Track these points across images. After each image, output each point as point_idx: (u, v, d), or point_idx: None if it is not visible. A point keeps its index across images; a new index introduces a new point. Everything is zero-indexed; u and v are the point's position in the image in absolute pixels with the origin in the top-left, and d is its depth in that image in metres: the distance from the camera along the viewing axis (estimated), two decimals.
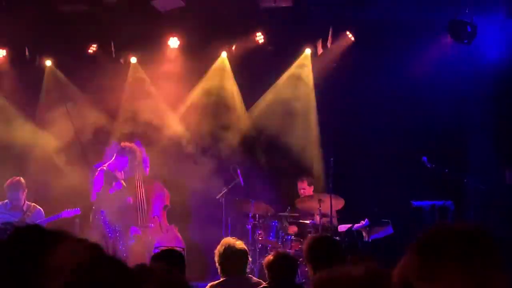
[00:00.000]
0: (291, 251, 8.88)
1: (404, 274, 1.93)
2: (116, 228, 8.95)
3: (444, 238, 1.92)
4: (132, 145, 9.48)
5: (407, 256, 1.95)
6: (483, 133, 10.24)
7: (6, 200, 8.89)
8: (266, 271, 5.38)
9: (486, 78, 9.96)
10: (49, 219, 8.84)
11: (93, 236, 8.69)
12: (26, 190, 8.94)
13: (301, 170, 10.72)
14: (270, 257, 5.44)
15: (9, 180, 8.92)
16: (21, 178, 9.03)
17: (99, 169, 9.26)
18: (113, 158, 9.39)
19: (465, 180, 9.43)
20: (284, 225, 9.66)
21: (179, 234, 9.63)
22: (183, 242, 9.49)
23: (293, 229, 9.75)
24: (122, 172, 9.45)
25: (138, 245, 9.13)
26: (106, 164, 9.32)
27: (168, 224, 9.64)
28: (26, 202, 8.96)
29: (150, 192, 9.54)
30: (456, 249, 1.88)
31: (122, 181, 9.23)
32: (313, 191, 10.09)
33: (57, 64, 11.14)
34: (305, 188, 10.08)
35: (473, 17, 9.46)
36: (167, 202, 9.70)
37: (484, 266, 1.86)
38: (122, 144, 9.49)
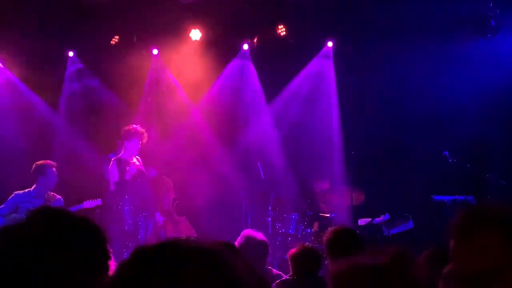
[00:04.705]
0: (311, 245, 8.85)
1: (487, 262, 1.89)
2: (138, 218, 8.97)
3: None
4: (137, 126, 9.32)
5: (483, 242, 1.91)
6: (505, 127, 10.15)
7: (28, 189, 8.82)
8: (290, 264, 5.39)
9: (509, 73, 9.87)
10: (70, 209, 8.76)
11: (113, 227, 8.72)
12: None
13: (321, 164, 10.71)
14: (294, 249, 5.45)
15: (40, 162, 8.78)
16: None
17: (112, 159, 9.20)
18: (123, 146, 9.21)
19: (487, 175, 9.35)
20: (304, 218, 9.63)
21: (190, 225, 9.74)
22: (195, 232, 9.58)
23: (316, 225, 9.71)
24: (138, 160, 9.26)
25: (152, 237, 9.17)
26: (120, 155, 9.21)
27: (178, 216, 9.74)
28: (47, 191, 8.92)
29: (160, 187, 9.60)
30: None
31: (137, 165, 9.06)
32: (334, 185, 10.08)
33: (79, 55, 11.19)
34: (320, 186, 10.07)
35: (497, 11, 9.37)
36: (175, 195, 9.81)
37: None
38: (127, 127, 9.22)
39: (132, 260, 1.48)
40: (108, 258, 1.77)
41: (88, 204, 8.97)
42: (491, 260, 1.88)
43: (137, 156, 9.11)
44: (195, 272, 1.41)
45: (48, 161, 8.83)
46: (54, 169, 8.71)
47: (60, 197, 8.95)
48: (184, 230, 9.47)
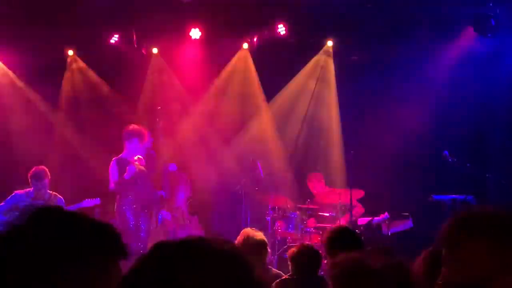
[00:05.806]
0: (310, 244, 8.85)
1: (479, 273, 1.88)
2: (139, 217, 8.91)
3: None
4: (138, 126, 9.21)
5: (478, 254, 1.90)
6: (505, 127, 10.15)
7: (28, 189, 8.87)
8: (289, 263, 5.38)
9: (509, 72, 9.87)
10: (70, 208, 8.75)
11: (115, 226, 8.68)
12: (49, 178, 8.93)
13: (321, 164, 10.72)
14: (294, 249, 5.45)
15: (33, 169, 8.89)
16: (44, 166, 9.03)
17: (112, 159, 9.11)
18: (125, 146, 9.15)
19: (487, 175, 9.35)
20: (303, 217, 9.63)
21: (199, 225, 9.67)
22: (203, 232, 9.53)
23: (312, 221, 9.73)
24: (140, 160, 9.10)
25: (160, 233, 9.12)
26: (120, 155, 9.11)
27: (190, 215, 9.67)
28: (48, 191, 8.96)
29: (175, 182, 9.49)
30: None
31: (137, 165, 8.93)
32: (333, 184, 10.07)
33: (79, 53, 11.17)
34: (315, 186, 10.05)
35: (497, 11, 9.37)
36: (190, 194, 9.71)
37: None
38: (127, 128, 9.05)
39: (154, 255, 1.48)
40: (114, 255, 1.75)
41: (87, 203, 8.98)
42: (480, 268, 1.88)
43: (139, 156, 8.98)
44: (218, 271, 1.42)
45: (40, 167, 8.89)
46: (45, 174, 8.78)
47: (61, 197, 8.97)
48: (193, 229, 9.42)
